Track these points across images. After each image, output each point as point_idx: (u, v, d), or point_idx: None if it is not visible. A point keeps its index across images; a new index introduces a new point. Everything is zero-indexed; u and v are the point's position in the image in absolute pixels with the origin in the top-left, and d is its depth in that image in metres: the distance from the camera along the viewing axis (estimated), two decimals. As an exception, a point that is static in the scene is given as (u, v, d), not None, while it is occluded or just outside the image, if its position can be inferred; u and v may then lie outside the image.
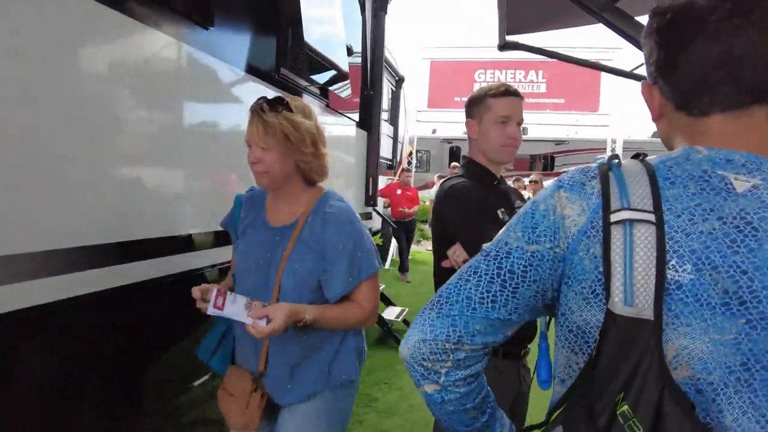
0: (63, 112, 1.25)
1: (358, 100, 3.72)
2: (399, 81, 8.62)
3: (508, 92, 1.64)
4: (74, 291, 1.29)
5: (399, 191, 7.72)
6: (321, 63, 2.83)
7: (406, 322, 4.96)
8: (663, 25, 0.72)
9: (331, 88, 3.03)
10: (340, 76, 3.15)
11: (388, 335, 4.69)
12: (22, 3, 1.13)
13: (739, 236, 0.63)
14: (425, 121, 12.27)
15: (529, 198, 1.13)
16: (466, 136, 1.78)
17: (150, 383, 1.72)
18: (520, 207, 1.59)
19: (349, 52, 3.39)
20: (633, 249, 0.64)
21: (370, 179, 3.78)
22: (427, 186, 13.96)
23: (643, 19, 1.31)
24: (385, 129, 8.03)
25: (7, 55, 1.10)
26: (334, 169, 3.28)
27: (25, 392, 1.25)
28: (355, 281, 1.43)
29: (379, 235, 7.10)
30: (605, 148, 12.80)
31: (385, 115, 8.09)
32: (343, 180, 3.48)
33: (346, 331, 1.50)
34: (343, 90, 3.26)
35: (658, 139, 0.84)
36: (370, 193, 3.79)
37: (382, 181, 7.64)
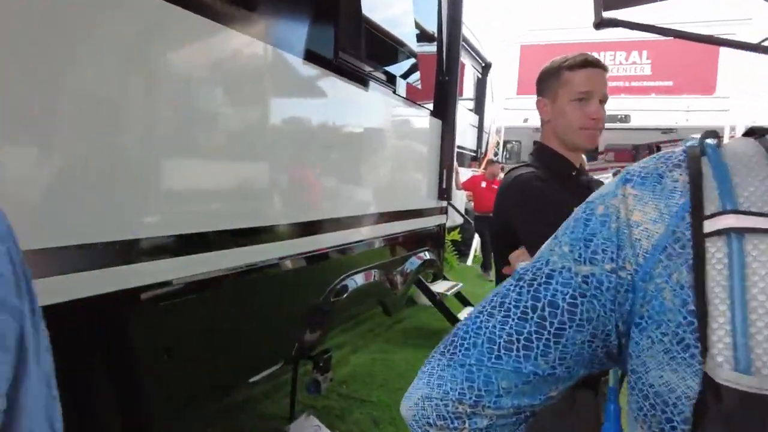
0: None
1: (432, 86, 3.48)
2: (485, 67, 8.22)
3: (587, 63, 1.34)
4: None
5: (483, 184, 7.28)
6: (387, 46, 2.64)
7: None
8: None
9: (398, 73, 2.83)
10: (410, 61, 2.94)
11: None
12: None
13: None
14: (514, 108, 11.62)
15: None
16: None
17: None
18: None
19: (423, 35, 3.16)
20: (746, 275, 0.39)
21: (444, 171, 3.52)
22: (517, 178, 13.25)
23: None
24: (470, 118, 7.68)
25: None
26: (401, 161, 3.11)
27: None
28: None
29: (458, 230, 6.78)
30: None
31: (469, 104, 7.76)
32: (412, 173, 3.26)
33: None
34: (413, 75, 3.04)
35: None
36: (444, 187, 3.53)
37: (466, 174, 7.32)
